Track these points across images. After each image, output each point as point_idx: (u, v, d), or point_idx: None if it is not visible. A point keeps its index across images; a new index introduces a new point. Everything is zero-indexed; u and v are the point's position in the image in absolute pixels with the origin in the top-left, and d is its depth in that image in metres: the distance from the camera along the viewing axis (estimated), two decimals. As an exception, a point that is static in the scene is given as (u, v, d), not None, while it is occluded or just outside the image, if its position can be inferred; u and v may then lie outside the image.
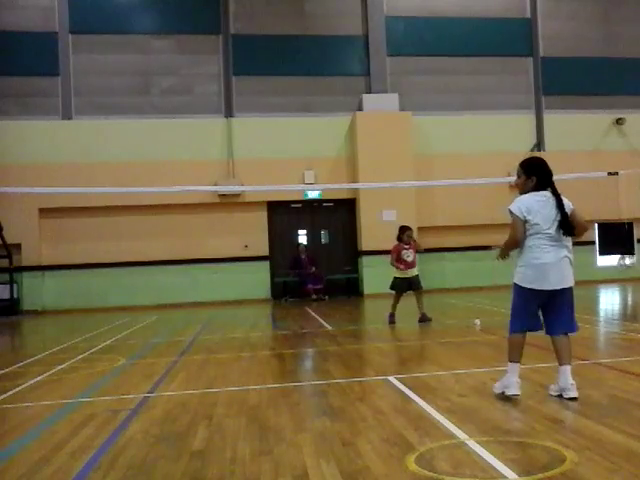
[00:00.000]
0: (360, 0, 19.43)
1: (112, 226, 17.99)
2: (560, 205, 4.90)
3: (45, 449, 4.17)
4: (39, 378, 6.85)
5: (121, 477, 3.59)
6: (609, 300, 14.83)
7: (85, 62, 18.42)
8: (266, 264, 18.65)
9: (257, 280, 18.52)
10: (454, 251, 19.18)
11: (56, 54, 18.17)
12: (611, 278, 19.32)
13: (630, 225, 18.83)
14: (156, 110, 18.49)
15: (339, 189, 18.18)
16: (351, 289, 18.81)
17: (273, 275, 18.76)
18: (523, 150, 19.72)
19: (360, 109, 18.70)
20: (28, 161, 17.41)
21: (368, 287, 18.21)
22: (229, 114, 18.76)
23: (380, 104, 18.66)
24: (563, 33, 20.31)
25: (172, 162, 17.79)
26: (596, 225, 19.65)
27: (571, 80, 20.09)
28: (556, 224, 4.85)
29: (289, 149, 18.29)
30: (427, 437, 4.03)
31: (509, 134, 19.57)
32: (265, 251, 18.69)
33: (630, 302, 14.35)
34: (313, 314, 13.51)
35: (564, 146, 19.52)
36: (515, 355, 4.94)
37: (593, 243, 19.74)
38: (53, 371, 7.27)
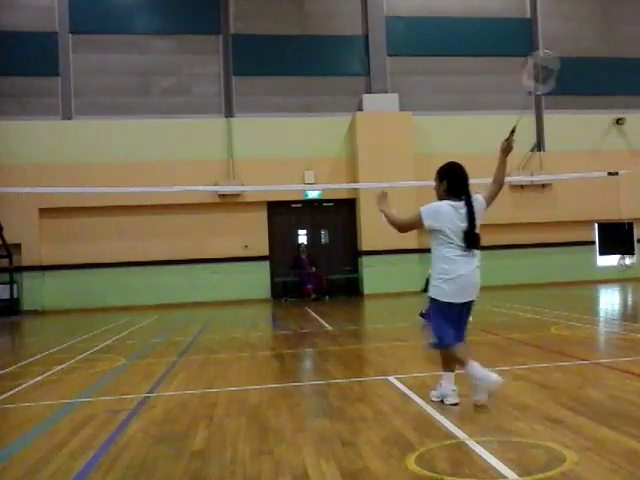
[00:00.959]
0: (360, 0, 19.43)
1: (112, 226, 17.98)
2: (470, 216, 4.67)
3: (45, 449, 4.17)
4: (39, 378, 6.85)
5: (121, 477, 3.59)
6: (609, 300, 14.82)
7: (85, 62, 18.41)
8: (266, 264, 18.66)
9: (257, 280, 18.53)
10: (454, 251, 19.15)
11: (56, 54, 18.17)
12: (611, 278, 19.32)
13: (630, 225, 18.83)
14: (156, 110, 18.49)
15: (339, 189, 18.18)
16: (351, 289, 18.81)
17: (273, 275, 18.76)
18: (523, 150, 19.75)
19: (360, 109, 18.70)
20: (28, 161, 17.41)
21: (368, 287, 18.21)
22: (229, 114, 18.76)
23: (380, 104, 18.66)
24: (563, 33, 20.30)
25: (172, 162, 17.78)
26: (596, 225, 19.66)
27: (571, 80, 20.07)
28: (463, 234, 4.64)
29: (289, 149, 18.30)
30: (427, 437, 4.03)
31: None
32: (265, 251, 18.69)
33: (630, 302, 14.35)
34: (313, 314, 13.51)
35: (564, 146, 19.53)
36: (447, 365, 4.85)
37: (593, 243, 19.76)
38: (53, 371, 7.27)
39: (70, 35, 18.32)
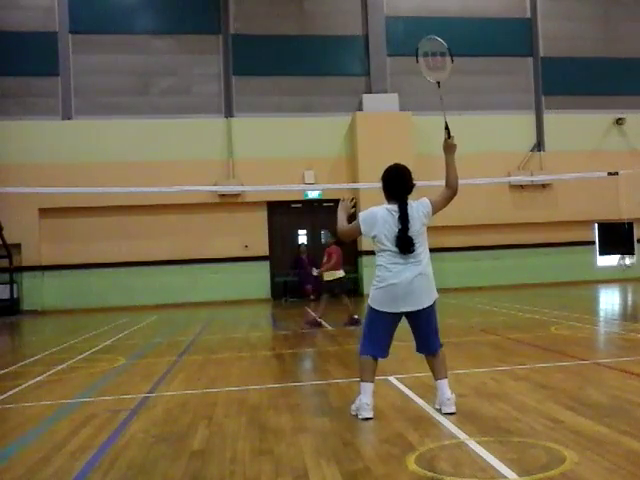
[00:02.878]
0: (360, 0, 19.43)
1: (112, 226, 17.98)
2: (403, 219, 4.45)
3: (45, 449, 4.17)
4: (39, 378, 6.85)
5: (121, 477, 3.59)
6: (609, 300, 14.82)
7: (85, 62, 18.41)
8: (266, 264, 18.66)
9: (257, 280, 18.53)
10: (454, 251, 19.18)
11: (56, 54, 18.18)
12: (611, 278, 19.32)
13: (630, 225, 18.83)
14: (156, 110, 18.49)
15: (339, 189, 18.17)
16: (351, 289, 18.80)
17: (273, 275, 18.77)
18: (523, 150, 19.76)
19: (360, 109, 18.70)
20: (28, 161, 17.41)
21: (368, 287, 18.19)
22: (229, 114, 18.75)
23: (380, 104, 18.66)
24: (563, 33, 20.31)
25: (172, 162, 17.78)
26: (596, 225, 19.66)
27: (571, 80, 20.10)
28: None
29: (289, 149, 18.29)
30: (427, 437, 4.03)
31: (509, 134, 19.58)
32: (265, 251, 18.69)
33: (630, 302, 14.34)
34: (313, 314, 13.49)
35: (564, 146, 19.53)
36: (366, 376, 4.57)
37: (593, 243, 19.77)
38: (53, 371, 7.27)
39: (70, 35, 18.32)
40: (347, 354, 7.75)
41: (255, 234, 18.58)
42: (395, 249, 4.46)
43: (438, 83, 5.10)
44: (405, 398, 5.17)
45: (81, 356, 8.44)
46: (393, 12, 19.49)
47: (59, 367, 7.52)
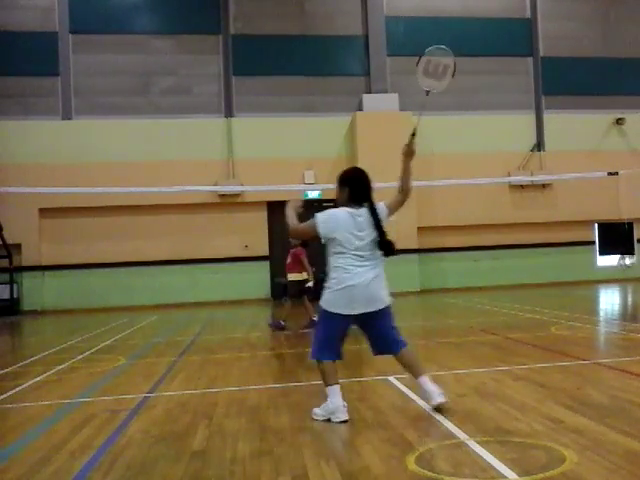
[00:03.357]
0: (360, 0, 19.43)
1: (112, 226, 17.99)
2: (377, 224, 4.46)
3: (45, 449, 4.17)
4: (39, 378, 6.85)
5: (121, 477, 3.58)
6: (609, 300, 14.82)
7: (85, 62, 18.42)
8: (266, 264, 18.65)
9: (257, 280, 18.53)
10: (454, 251, 19.19)
11: (56, 54, 18.18)
12: (611, 278, 19.33)
13: (630, 225, 18.84)
14: (156, 110, 18.49)
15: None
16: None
17: (273, 275, 18.76)
18: (523, 150, 19.77)
19: (360, 109, 18.70)
20: (28, 161, 17.41)
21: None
22: (229, 114, 18.76)
23: (380, 104, 18.66)
24: (563, 33, 20.32)
25: (172, 162, 17.79)
26: (596, 225, 19.67)
27: (571, 80, 20.10)
28: (369, 243, 4.44)
29: (289, 149, 18.30)
30: (427, 437, 4.03)
31: (509, 134, 19.58)
32: (265, 251, 18.69)
33: (630, 302, 14.35)
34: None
35: (564, 146, 19.53)
36: (332, 378, 4.52)
37: (593, 243, 19.78)
38: (53, 371, 7.27)
39: (70, 35, 18.33)
40: (347, 354, 7.73)
41: (255, 234, 18.59)
42: (357, 252, 4.43)
43: (427, 92, 4.99)
44: (405, 398, 5.17)
45: (81, 356, 8.44)
46: (393, 12, 19.50)
47: (59, 367, 7.52)
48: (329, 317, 4.51)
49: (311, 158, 18.35)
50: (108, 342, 9.95)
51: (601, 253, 19.78)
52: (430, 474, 3.35)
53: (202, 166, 17.95)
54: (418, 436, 4.05)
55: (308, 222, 4.61)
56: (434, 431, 4.17)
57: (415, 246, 18.45)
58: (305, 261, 10.41)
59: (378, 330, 4.60)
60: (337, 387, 4.53)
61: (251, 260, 18.48)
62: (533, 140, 19.87)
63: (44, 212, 17.64)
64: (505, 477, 3.27)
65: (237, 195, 18.23)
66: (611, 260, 19.89)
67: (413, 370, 4.65)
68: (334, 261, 4.52)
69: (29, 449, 4.23)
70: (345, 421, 4.44)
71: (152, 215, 18.06)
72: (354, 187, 4.57)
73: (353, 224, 4.45)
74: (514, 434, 4.00)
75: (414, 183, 15.94)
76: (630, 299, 14.91)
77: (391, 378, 5.94)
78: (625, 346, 7.55)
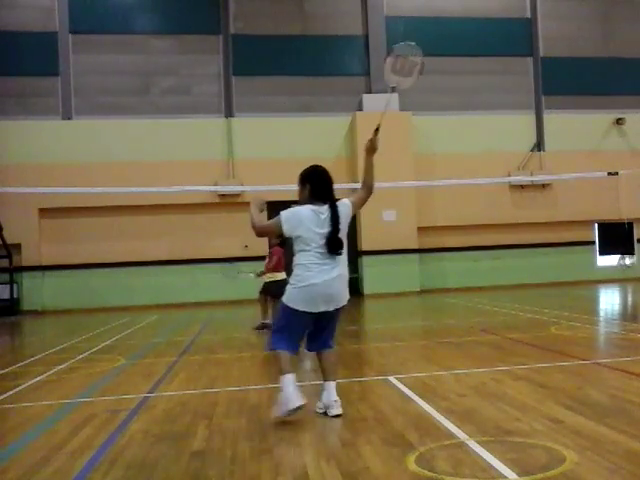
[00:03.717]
0: (360, 0, 19.43)
1: (112, 226, 17.99)
2: (334, 221, 4.44)
3: (45, 449, 4.17)
4: (39, 378, 6.85)
5: (121, 477, 3.58)
6: (609, 300, 14.82)
7: (85, 62, 18.42)
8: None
9: (257, 280, 18.48)
10: (454, 251, 19.19)
11: (56, 54, 18.18)
12: (611, 278, 19.33)
13: (630, 225, 18.84)
14: (156, 110, 18.49)
15: (339, 189, 18.15)
16: (351, 289, 18.74)
17: (273, 275, 18.74)
18: (523, 150, 19.77)
19: (360, 109, 18.70)
20: (28, 161, 17.41)
21: (368, 287, 18.20)
22: (229, 114, 18.76)
23: (380, 104, 18.58)
24: (563, 33, 20.32)
25: (172, 162, 17.79)
26: (596, 225, 19.67)
27: (571, 80, 20.10)
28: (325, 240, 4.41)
29: (289, 149, 18.29)
30: (427, 437, 4.03)
31: (509, 134, 19.59)
32: (265, 251, 18.56)
33: (630, 302, 14.34)
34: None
35: (564, 146, 19.53)
36: (288, 366, 4.53)
37: (593, 243, 19.78)
38: (53, 371, 7.27)
39: (70, 35, 18.33)
40: (347, 354, 7.75)
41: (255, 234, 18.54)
42: (319, 249, 4.42)
43: (393, 88, 4.99)
44: (405, 398, 5.17)
45: (81, 356, 8.44)
46: (393, 12, 19.50)
47: (59, 367, 7.52)
48: (290, 312, 4.51)
49: (311, 158, 18.22)
50: (108, 342, 9.95)
51: (601, 253, 19.79)
52: (430, 474, 3.35)
53: (202, 166, 17.95)
54: (418, 436, 4.05)
55: (273, 220, 4.59)
56: (434, 431, 4.17)
57: (415, 246, 18.46)
58: (274, 261, 10.44)
59: (325, 328, 4.64)
60: (291, 376, 4.50)
61: (251, 260, 18.44)
62: (533, 140, 19.87)
63: (44, 212, 17.64)
64: (505, 477, 3.27)
65: (237, 195, 18.22)
66: (611, 260, 19.89)
67: (329, 372, 4.67)
68: (297, 259, 4.51)
69: (29, 449, 4.22)
70: (301, 405, 4.42)
71: (152, 215, 18.05)
72: (314, 184, 4.58)
73: (316, 221, 4.45)
74: (514, 434, 4.00)
75: (413, 183, 16.02)
76: (630, 299, 14.91)
77: (391, 378, 5.94)
78: (625, 346, 7.55)
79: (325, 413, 4.64)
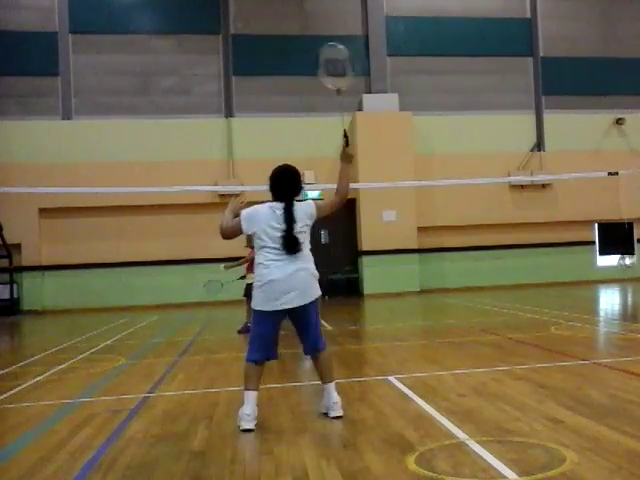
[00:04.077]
0: (360, 0, 19.43)
1: (112, 226, 17.98)
2: (287, 218, 4.45)
3: (45, 449, 4.17)
4: (39, 378, 6.85)
5: (121, 477, 3.59)
6: (609, 300, 14.83)
7: (85, 62, 18.42)
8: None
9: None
10: (454, 251, 19.19)
11: (56, 54, 18.18)
12: (611, 278, 19.32)
13: (630, 225, 18.83)
14: (156, 110, 18.49)
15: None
16: (351, 289, 18.81)
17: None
18: (523, 150, 19.76)
19: (360, 109, 18.69)
20: (28, 161, 17.41)
21: (368, 287, 18.20)
22: (229, 114, 18.76)
23: (380, 104, 18.65)
24: (563, 33, 20.31)
25: (172, 162, 17.78)
26: (596, 225, 19.67)
27: (571, 80, 20.10)
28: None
29: (289, 149, 18.24)
30: (427, 437, 4.03)
31: (509, 134, 19.58)
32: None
33: (630, 302, 14.35)
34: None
35: (564, 146, 19.53)
36: (251, 384, 4.51)
37: (593, 243, 19.78)
38: (53, 371, 7.27)
39: (70, 35, 18.32)
40: (347, 354, 7.76)
41: (255, 234, 18.54)
42: (275, 245, 4.44)
43: (338, 90, 5.04)
44: (405, 398, 5.17)
45: (81, 356, 8.44)
46: (393, 12, 19.49)
47: (59, 367, 7.52)
48: (259, 316, 4.52)
49: (311, 158, 18.33)
50: (108, 342, 9.95)
51: (601, 253, 19.78)
52: (430, 474, 3.35)
53: (202, 166, 17.94)
54: (418, 436, 4.05)
55: (235, 219, 4.64)
56: (434, 431, 4.17)
57: (415, 246, 18.45)
58: (244, 260, 10.57)
59: (303, 326, 4.58)
60: (252, 394, 4.47)
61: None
62: (533, 140, 19.87)
63: (44, 212, 17.63)
64: (505, 477, 3.27)
65: (237, 195, 18.19)
66: (611, 260, 19.88)
67: (323, 375, 4.63)
68: (257, 258, 4.54)
69: (29, 449, 4.23)
70: (249, 430, 4.35)
71: (152, 215, 18.05)
72: (272, 184, 4.66)
73: (272, 218, 4.48)
74: (514, 434, 4.00)
75: (413, 183, 16.05)
76: (630, 299, 14.91)
77: (391, 378, 5.94)
78: (625, 346, 7.56)
79: (326, 414, 4.65)
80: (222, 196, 18.12)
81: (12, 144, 17.57)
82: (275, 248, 4.44)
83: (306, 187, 19.55)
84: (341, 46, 4.95)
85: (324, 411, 4.67)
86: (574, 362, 6.41)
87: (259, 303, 4.48)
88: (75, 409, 5.32)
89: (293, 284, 4.41)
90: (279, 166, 4.75)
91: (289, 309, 4.46)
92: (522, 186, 19.51)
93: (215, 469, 3.64)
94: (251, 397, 4.49)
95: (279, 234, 4.43)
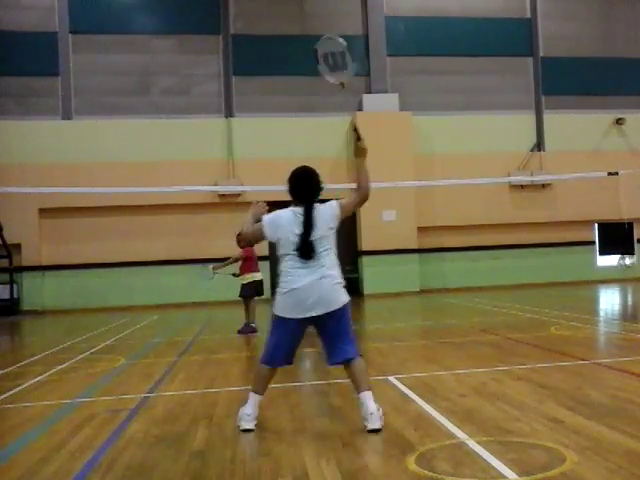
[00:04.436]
0: (360, 0, 19.43)
1: (112, 226, 17.98)
2: (306, 223, 4.28)
3: (45, 449, 4.17)
4: (39, 378, 6.85)
5: (121, 477, 3.59)
6: (609, 300, 14.83)
7: (85, 62, 18.42)
8: (266, 264, 18.61)
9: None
10: (454, 251, 19.19)
11: (56, 54, 18.18)
12: (611, 278, 19.32)
13: (630, 225, 18.83)
14: (156, 110, 18.49)
15: (339, 189, 18.14)
16: (351, 289, 18.76)
17: (273, 275, 18.74)
18: (523, 150, 19.76)
19: (360, 109, 18.70)
20: (28, 161, 17.41)
21: (368, 287, 18.20)
22: (229, 114, 18.76)
23: (380, 104, 18.65)
24: (563, 33, 20.31)
25: (172, 162, 17.78)
26: (596, 225, 19.67)
27: (571, 80, 20.10)
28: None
29: (289, 149, 18.26)
30: (427, 437, 4.03)
31: (509, 134, 19.58)
32: (265, 251, 18.66)
33: (630, 302, 14.35)
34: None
35: (564, 146, 19.52)
36: (258, 386, 4.46)
37: (593, 243, 19.77)
38: (53, 371, 7.27)
39: (70, 35, 18.32)
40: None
41: (255, 234, 18.54)
42: (297, 253, 4.28)
43: (342, 84, 4.89)
44: (405, 398, 5.17)
45: (81, 356, 8.44)
46: (393, 12, 19.49)
47: (59, 367, 7.52)
48: (279, 322, 4.38)
49: (311, 158, 18.18)
50: (108, 342, 9.95)
51: (601, 253, 19.78)
52: (430, 474, 3.35)
53: (202, 166, 17.94)
54: (418, 436, 4.05)
55: (256, 225, 4.51)
56: (434, 431, 4.17)
57: (415, 246, 18.45)
58: (254, 261, 10.60)
59: (328, 335, 4.35)
60: (257, 397, 4.43)
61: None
62: (533, 140, 19.87)
63: (44, 212, 17.63)
64: (505, 477, 3.27)
65: (237, 195, 18.22)
66: (611, 260, 19.88)
67: (356, 383, 4.33)
68: (281, 264, 4.40)
69: (29, 449, 4.23)
70: (249, 430, 4.33)
71: (152, 215, 18.04)
72: (292, 186, 4.48)
73: (295, 224, 4.32)
74: (514, 434, 4.00)
75: (413, 183, 16.05)
76: (630, 299, 14.91)
77: (391, 378, 5.94)
78: (625, 346, 7.56)
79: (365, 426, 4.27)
80: (222, 196, 18.13)
81: (12, 144, 17.57)
82: (297, 256, 4.29)
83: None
84: (338, 37, 4.80)
85: (364, 423, 4.26)
86: (574, 362, 6.41)
87: (280, 309, 4.36)
88: (75, 409, 5.32)
89: (313, 292, 4.25)
90: (297, 168, 4.59)
91: (312, 318, 4.28)
92: (522, 186, 19.51)
93: (215, 469, 3.64)
94: (254, 399, 4.44)
95: (298, 240, 4.29)
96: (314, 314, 4.26)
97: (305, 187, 4.44)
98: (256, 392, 4.45)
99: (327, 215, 4.39)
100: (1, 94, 18.03)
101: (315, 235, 4.29)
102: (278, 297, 4.38)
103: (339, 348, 4.33)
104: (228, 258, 10.95)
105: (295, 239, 4.29)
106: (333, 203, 4.47)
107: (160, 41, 18.89)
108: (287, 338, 4.39)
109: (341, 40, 4.83)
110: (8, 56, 17.86)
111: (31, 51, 18.00)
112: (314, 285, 4.25)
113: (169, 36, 18.94)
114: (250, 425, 4.38)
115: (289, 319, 4.31)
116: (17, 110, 18.03)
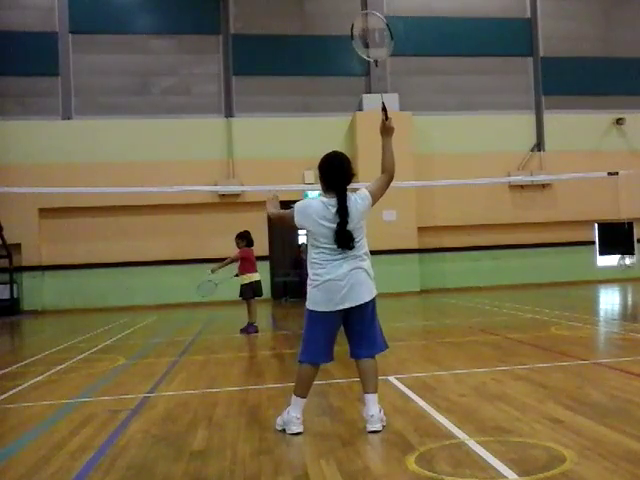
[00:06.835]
0: (360, 0, 19.43)
1: (112, 226, 17.98)
2: (342, 213, 4.14)
3: (45, 449, 4.17)
4: (39, 378, 6.85)
5: (121, 477, 3.58)
6: (609, 300, 14.82)
7: (85, 62, 18.42)
8: (266, 264, 18.63)
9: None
10: (454, 251, 19.19)
11: (56, 54, 18.19)
12: (611, 278, 19.32)
13: (630, 225, 18.83)
14: (156, 110, 18.49)
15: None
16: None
17: (273, 275, 18.76)
18: (523, 150, 19.77)
19: (360, 109, 18.70)
20: (28, 161, 17.41)
21: (368, 287, 18.18)
22: (229, 114, 18.76)
23: (380, 104, 18.62)
24: (563, 33, 20.31)
25: (172, 162, 17.78)
26: (596, 225, 19.67)
27: (571, 80, 20.10)
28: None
29: (289, 149, 18.29)
30: (427, 437, 4.03)
31: (509, 134, 19.58)
32: (265, 251, 18.68)
33: (630, 302, 14.34)
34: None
35: (564, 146, 19.53)
36: (301, 389, 4.27)
37: (593, 243, 19.77)
38: (53, 371, 7.27)
39: (70, 35, 18.33)
40: (347, 354, 7.74)
41: (255, 234, 18.30)
42: (331, 245, 4.15)
43: (376, 62, 4.81)
44: (405, 398, 5.17)
45: (81, 356, 8.44)
46: (393, 12, 19.47)
47: (59, 367, 7.52)
48: (313, 316, 4.26)
49: (311, 158, 18.16)
50: (108, 342, 9.95)
51: (601, 253, 19.78)
52: (430, 474, 3.35)
53: (202, 166, 17.94)
54: (418, 436, 4.05)
55: (288, 210, 4.42)
56: (434, 431, 4.17)
57: (415, 246, 18.45)
58: (251, 262, 10.64)
59: (358, 327, 4.29)
60: (301, 401, 4.27)
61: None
62: (533, 140, 19.87)
63: (44, 212, 17.63)
64: (505, 477, 3.27)
65: (237, 195, 18.22)
66: (611, 260, 19.88)
67: (364, 384, 4.30)
68: (310, 255, 4.28)
69: (29, 449, 4.22)
70: (297, 433, 4.22)
71: (152, 215, 18.05)
72: (323, 174, 4.32)
73: (325, 215, 4.17)
74: (514, 434, 4.00)
75: (413, 183, 16.02)
76: (630, 299, 14.91)
77: (391, 378, 5.94)
78: (625, 346, 7.55)
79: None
80: (222, 196, 18.13)
81: (12, 144, 17.57)
82: (329, 246, 4.16)
83: (306, 187, 19.61)
84: (378, 13, 4.69)
85: (365, 423, 4.26)
86: (574, 362, 6.41)
87: (314, 303, 4.22)
88: (75, 409, 5.32)
89: (349, 284, 4.16)
90: (328, 153, 4.43)
91: (344, 310, 4.20)
92: (522, 186, 19.51)
93: (215, 469, 3.64)
94: (300, 403, 4.27)
95: (332, 231, 4.14)
96: (347, 306, 4.18)
97: (338, 174, 4.26)
98: (299, 396, 4.27)
99: (360, 205, 4.25)
100: (1, 94, 18.04)
101: (350, 226, 4.17)
102: (312, 290, 4.23)
103: (364, 343, 4.30)
104: (226, 258, 10.96)
105: (325, 231, 4.16)
106: (364, 193, 4.31)
107: (160, 41, 18.89)
108: (324, 333, 4.26)
109: (381, 16, 4.71)
110: (8, 56, 17.87)
111: (31, 51, 18.01)
112: (348, 276, 4.17)
113: (169, 36, 18.94)
114: (300, 428, 4.24)
115: (323, 312, 4.20)
116: (17, 110, 18.03)
